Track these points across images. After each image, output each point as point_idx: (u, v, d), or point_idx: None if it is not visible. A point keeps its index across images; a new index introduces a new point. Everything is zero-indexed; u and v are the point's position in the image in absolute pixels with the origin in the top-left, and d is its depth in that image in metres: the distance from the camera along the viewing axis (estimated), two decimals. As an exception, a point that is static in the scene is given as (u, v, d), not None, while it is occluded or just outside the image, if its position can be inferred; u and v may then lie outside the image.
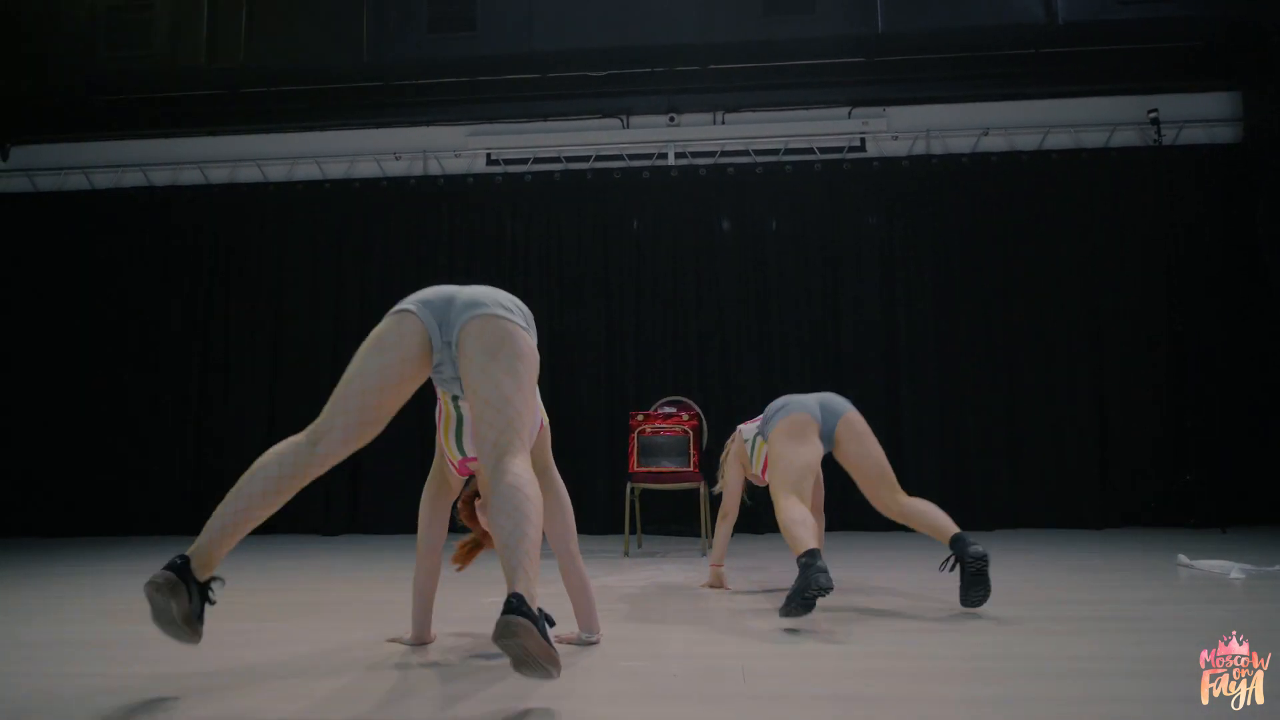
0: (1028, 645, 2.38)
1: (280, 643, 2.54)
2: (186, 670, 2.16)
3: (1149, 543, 4.75)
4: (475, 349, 2.04)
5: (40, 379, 6.37)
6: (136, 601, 2.09)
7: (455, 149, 6.46)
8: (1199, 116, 6.01)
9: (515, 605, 1.67)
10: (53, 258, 6.50)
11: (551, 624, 2.09)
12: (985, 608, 2.83)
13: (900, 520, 3.11)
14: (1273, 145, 5.55)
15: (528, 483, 1.89)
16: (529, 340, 2.14)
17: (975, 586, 2.76)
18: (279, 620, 2.95)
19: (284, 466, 1.96)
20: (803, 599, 2.57)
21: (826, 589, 2.55)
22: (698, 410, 5.17)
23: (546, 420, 2.40)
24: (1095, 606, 2.98)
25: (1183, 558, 3.83)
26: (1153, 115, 5.84)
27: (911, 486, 5.89)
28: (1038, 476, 5.77)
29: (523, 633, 1.64)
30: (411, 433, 6.02)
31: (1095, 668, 2.11)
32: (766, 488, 3.39)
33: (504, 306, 2.12)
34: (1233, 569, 3.54)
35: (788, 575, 3.64)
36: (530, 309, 2.27)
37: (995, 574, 2.84)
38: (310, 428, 2.03)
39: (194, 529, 6.74)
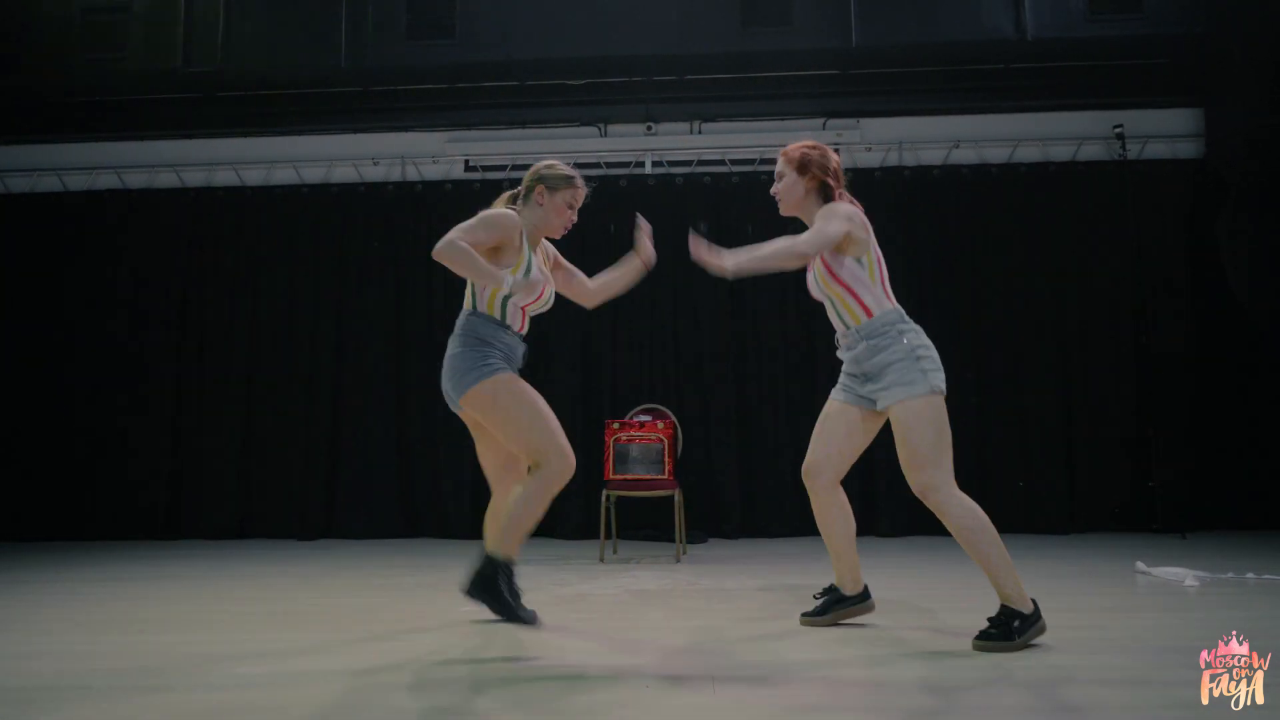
0: (976, 657, 2.46)
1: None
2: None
3: (1112, 548, 4.87)
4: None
5: (10, 382, 6.29)
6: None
7: (433, 155, 6.48)
8: (1163, 132, 6.15)
9: None
10: (24, 261, 6.42)
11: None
12: (943, 618, 2.90)
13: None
14: (1233, 160, 5.71)
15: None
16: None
17: None
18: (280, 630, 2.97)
19: None
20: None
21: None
22: (673, 419, 5.23)
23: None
24: (1052, 615, 3.06)
25: (1140, 565, 3.95)
26: (1118, 130, 5.98)
27: (882, 493, 6.01)
28: (1005, 482, 5.89)
29: None
30: (391, 437, 6.05)
31: (1040, 677, 2.20)
32: None
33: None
34: (1187, 576, 3.66)
35: (765, 581, 3.72)
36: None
37: (962, 579, 2.91)
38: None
39: (166, 534, 6.61)
